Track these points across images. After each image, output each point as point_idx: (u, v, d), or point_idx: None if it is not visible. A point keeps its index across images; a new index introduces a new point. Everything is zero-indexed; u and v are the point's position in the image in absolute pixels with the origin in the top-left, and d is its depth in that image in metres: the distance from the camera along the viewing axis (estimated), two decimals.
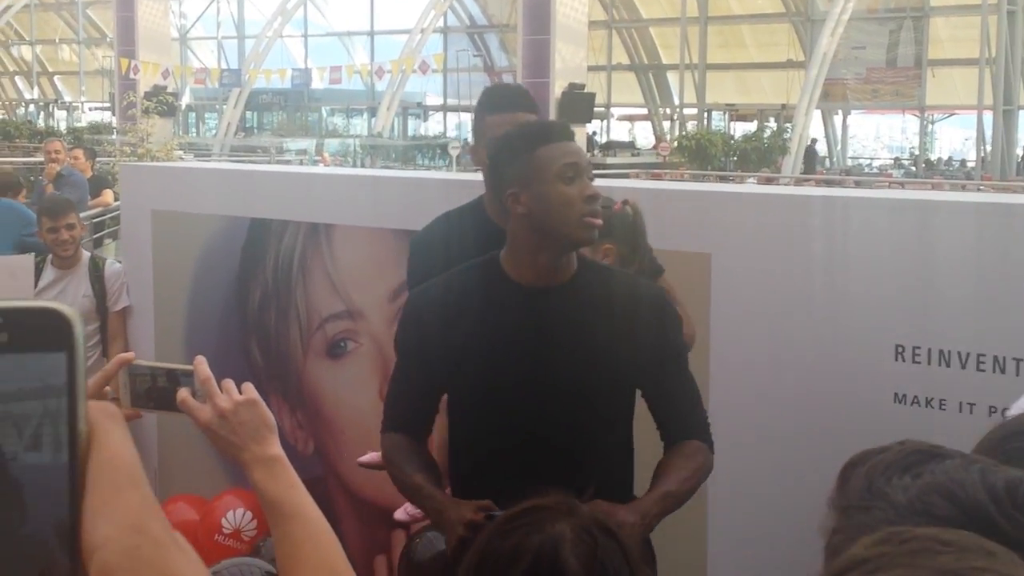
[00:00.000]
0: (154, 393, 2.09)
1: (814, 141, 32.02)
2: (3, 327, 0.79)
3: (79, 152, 11.64)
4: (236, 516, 4.97)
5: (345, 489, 5.09)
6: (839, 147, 35.04)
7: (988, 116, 28.52)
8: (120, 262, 6.12)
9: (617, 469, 2.91)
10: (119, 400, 2.11)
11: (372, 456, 3.74)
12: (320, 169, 12.57)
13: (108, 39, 39.29)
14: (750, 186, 11.85)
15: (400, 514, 3.65)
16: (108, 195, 11.14)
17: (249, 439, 1.90)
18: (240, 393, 1.97)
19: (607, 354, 2.83)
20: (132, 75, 27.94)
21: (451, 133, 39.53)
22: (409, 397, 3.00)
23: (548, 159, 2.80)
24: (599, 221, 2.81)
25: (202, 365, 2.00)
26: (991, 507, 1.12)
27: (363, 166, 28.45)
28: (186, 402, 1.98)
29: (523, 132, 2.96)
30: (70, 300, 5.76)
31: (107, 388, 2.08)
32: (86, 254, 6.02)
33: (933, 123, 33.97)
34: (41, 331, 0.80)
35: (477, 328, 2.85)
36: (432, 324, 2.90)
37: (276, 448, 1.90)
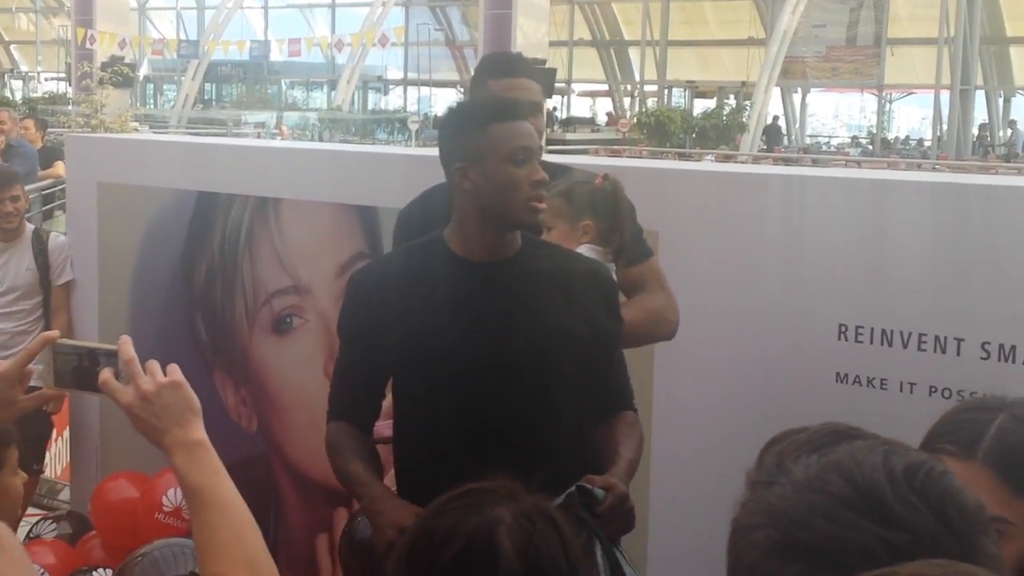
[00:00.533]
0: (78, 373, 2.02)
1: (776, 118, 32.18)
2: None
3: (29, 123, 11.48)
4: (176, 494, 4.91)
5: (288, 467, 5.04)
6: (797, 125, 35.16)
7: (945, 95, 28.70)
8: (65, 235, 6.04)
9: (569, 453, 2.83)
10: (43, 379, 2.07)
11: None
12: (270, 143, 12.49)
13: (65, 8, 38.84)
14: (700, 164, 11.86)
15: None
16: (59, 167, 10.98)
17: (172, 422, 1.86)
18: (165, 375, 1.91)
19: (555, 328, 2.80)
20: (89, 45, 27.64)
21: (411, 107, 39.39)
22: (353, 383, 2.95)
23: (500, 138, 2.75)
24: (543, 206, 2.79)
25: (126, 345, 1.93)
26: (886, 488, 1.12)
27: (322, 140, 28.29)
28: (108, 383, 1.92)
29: (477, 106, 2.92)
30: (13, 273, 5.69)
31: (30, 366, 2.03)
32: (30, 227, 5.93)
33: (891, 102, 34.14)
34: None
35: (425, 306, 2.80)
36: (376, 305, 2.85)
37: (199, 432, 1.86)
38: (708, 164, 11.55)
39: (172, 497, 4.88)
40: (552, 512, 1.85)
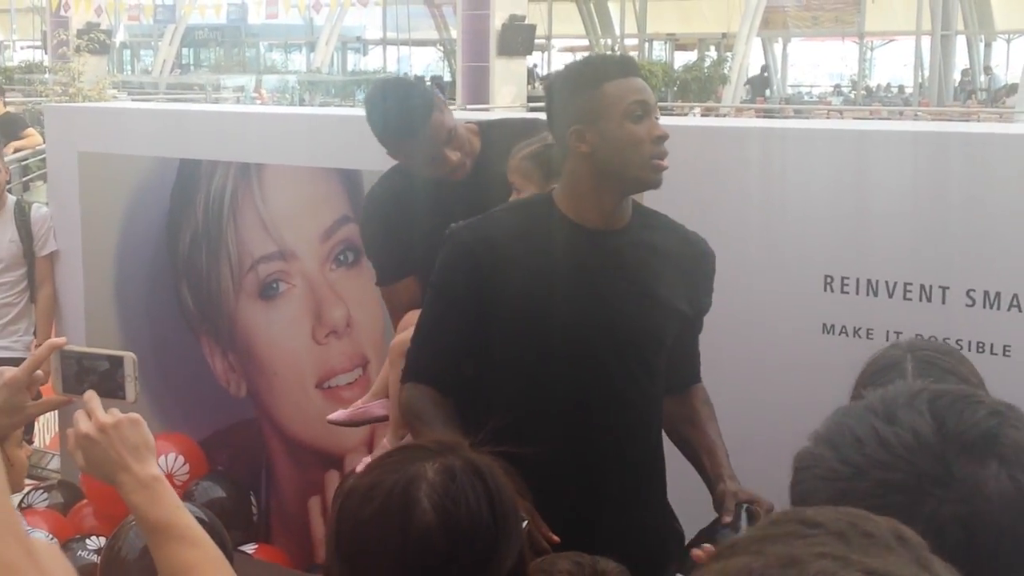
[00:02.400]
0: (83, 378, 2.04)
1: (764, 68, 32.10)
2: None
3: None
4: (168, 460, 4.93)
5: (278, 431, 5.06)
6: (779, 75, 35.05)
7: (926, 42, 28.61)
8: (47, 205, 6.01)
9: (655, 422, 2.86)
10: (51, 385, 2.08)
11: (341, 414, 3.69)
12: (251, 108, 12.41)
13: None
14: (681, 118, 11.83)
15: (331, 416, 3.64)
16: (35, 135, 10.92)
17: (129, 455, 1.85)
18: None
19: (663, 302, 2.76)
20: (64, 12, 27.34)
21: (392, 67, 39.17)
22: (444, 345, 2.80)
23: (615, 95, 2.65)
24: (666, 163, 2.68)
25: (130, 361, 1.98)
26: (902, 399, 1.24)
27: (302, 102, 28.14)
28: (79, 414, 1.92)
29: (589, 65, 2.80)
30: None
31: (38, 372, 2.05)
32: (11, 198, 5.90)
33: (873, 50, 34.07)
34: None
35: (536, 269, 2.70)
36: (483, 264, 2.72)
37: (156, 468, 1.86)
38: (689, 119, 11.52)
39: (164, 464, 4.90)
40: (482, 465, 1.80)
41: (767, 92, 32.35)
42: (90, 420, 1.89)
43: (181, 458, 4.98)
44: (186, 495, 4.70)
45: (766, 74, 32.26)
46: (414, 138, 3.43)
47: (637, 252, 2.75)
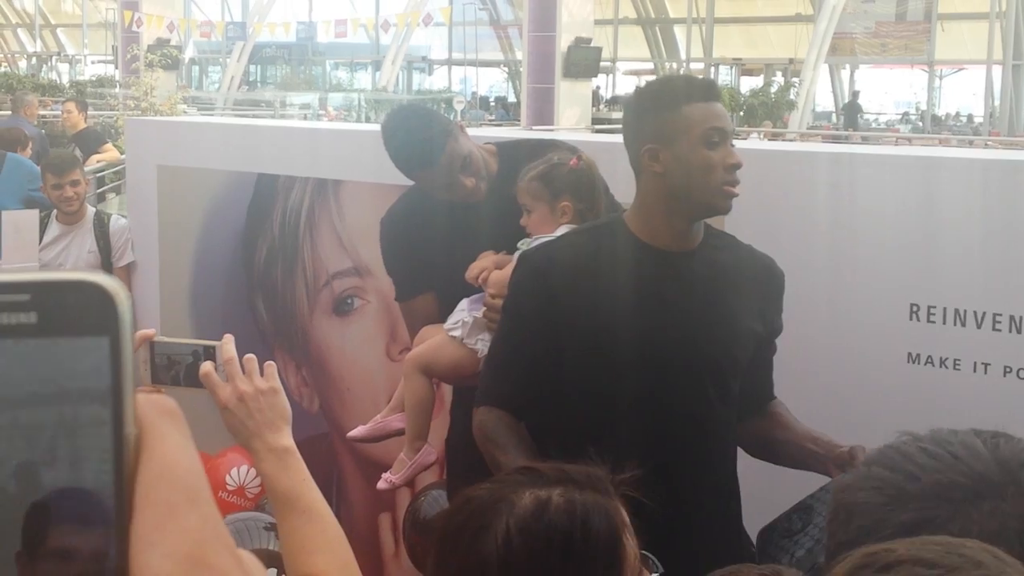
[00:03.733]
0: (174, 369, 2.09)
1: (856, 94, 31.89)
2: (30, 305, 0.61)
3: (71, 105, 11.53)
4: (240, 473, 4.96)
5: (349, 447, 5.06)
6: (846, 102, 34.82)
7: (997, 71, 28.32)
8: (125, 217, 6.09)
9: (731, 445, 2.85)
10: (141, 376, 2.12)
11: (360, 430, 3.71)
12: (326, 124, 12.51)
13: None
14: (758, 143, 11.76)
15: (382, 484, 3.64)
16: (113, 150, 11.07)
17: (264, 426, 1.90)
18: (262, 376, 1.95)
19: (737, 323, 2.74)
20: (136, 28, 27.75)
21: (456, 87, 39.33)
22: (517, 367, 2.78)
23: (694, 119, 2.64)
24: (737, 191, 2.67)
25: (228, 345, 1.99)
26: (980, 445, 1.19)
27: (368, 121, 28.32)
28: (209, 376, 1.97)
29: (670, 85, 2.80)
30: (75, 256, 5.74)
31: None
32: (91, 209, 5.99)
33: (942, 78, 33.75)
34: (79, 311, 0.62)
35: (610, 292, 2.69)
36: (555, 286, 2.71)
37: (289, 440, 1.90)
38: (766, 143, 11.46)
39: (236, 476, 4.93)
40: (584, 503, 1.70)
41: (833, 119, 32.17)
42: (231, 385, 1.94)
43: (253, 471, 4.99)
44: (258, 507, 4.72)
45: (859, 100, 32.08)
46: (431, 167, 3.42)
47: (709, 273, 2.73)
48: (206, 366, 1.99)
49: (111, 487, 0.62)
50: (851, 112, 30.08)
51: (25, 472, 0.61)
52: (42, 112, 19.23)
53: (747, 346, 2.77)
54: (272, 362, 2.00)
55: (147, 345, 2.09)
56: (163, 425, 0.65)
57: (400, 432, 3.54)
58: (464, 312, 3.30)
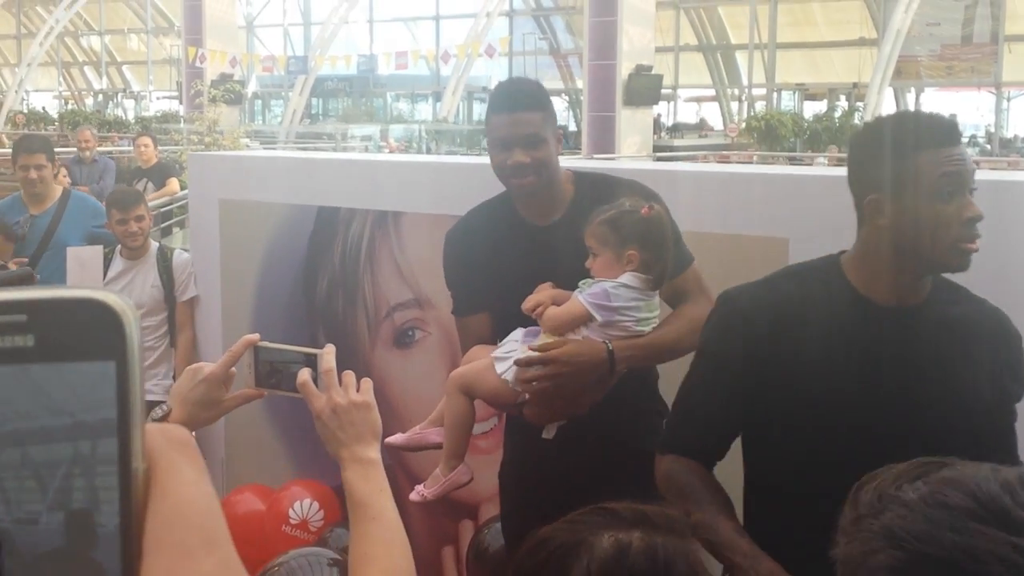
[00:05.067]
0: (276, 375, 2.14)
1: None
2: (28, 326, 0.56)
3: (147, 139, 11.71)
4: (303, 506, 4.94)
5: (412, 479, 5.02)
6: None
7: None
8: (188, 251, 6.12)
9: None
10: (247, 380, 2.21)
11: (398, 437, 3.67)
12: (386, 156, 12.57)
13: (176, 28, 39.65)
14: (825, 168, 11.66)
15: (414, 495, 3.61)
16: (173, 183, 11.20)
17: (353, 439, 1.98)
18: (359, 391, 2.03)
19: (962, 389, 2.48)
20: (199, 63, 28.18)
21: None
22: (711, 416, 2.63)
23: (924, 169, 2.40)
24: (976, 246, 2.41)
25: (328, 356, 2.06)
26: (1005, 497, 1.12)
27: (428, 151, 28.48)
28: (306, 385, 2.04)
29: (899, 127, 2.52)
30: (139, 290, 5.77)
31: (232, 369, 2.18)
32: (154, 244, 6.03)
33: (1010, 100, 33.33)
34: (81, 332, 0.57)
35: (820, 343, 2.49)
36: (761, 334, 2.53)
37: (375, 453, 1.98)
38: (833, 168, 11.36)
39: (299, 509, 4.91)
40: (665, 548, 1.64)
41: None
42: (326, 396, 2.02)
43: (316, 504, 4.98)
44: (320, 541, 4.69)
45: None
46: (521, 111, 3.36)
47: (933, 332, 2.49)
48: (303, 374, 2.05)
49: (118, 528, 0.57)
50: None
51: (24, 511, 0.55)
52: (108, 148, 19.54)
53: (972, 414, 2.48)
54: (368, 379, 2.07)
55: (252, 350, 2.16)
56: (176, 459, 0.60)
57: (436, 446, 3.52)
58: (516, 344, 3.25)
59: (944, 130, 2.48)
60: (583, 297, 3.11)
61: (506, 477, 3.71)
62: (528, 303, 3.20)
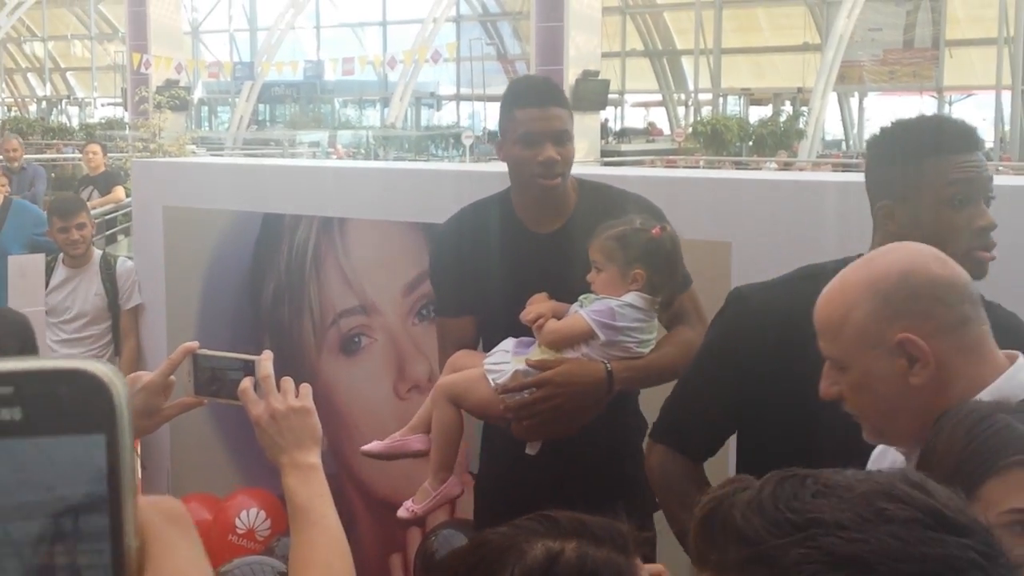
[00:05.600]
0: (216, 383, 2.13)
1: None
2: (15, 399, 0.54)
3: (96, 147, 11.61)
4: (250, 516, 4.91)
5: (360, 487, 5.02)
6: (856, 130, 34.86)
7: (1007, 96, 28.35)
8: (132, 259, 6.07)
9: None
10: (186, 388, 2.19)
11: (375, 445, 3.56)
12: (332, 163, 12.53)
13: (120, 34, 39.35)
14: (769, 172, 11.76)
15: (403, 512, 3.52)
16: (119, 191, 11.12)
17: (293, 444, 1.97)
18: (297, 396, 2.03)
19: None
20: (144, 70, 27.98)
21: (464, 122, 39.46)
22: (709, 411, 2.61)
23: (933, 175, 2.35)
24: (992, 255, 2.37)
25: (266, 362, 2.06)
26: (931, 500, 1.06)
27: (376, 157, 28.42)
28: (246, 392, 2.04)
29: (911, 132, 2.46)
30: (82, 299, 5.72)
31: (172, 377, 2.17)
32: (97, 252, 5.98)
33: (951, 104, 33.78)
34: (70, 405, 0.55)
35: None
36: (772, 336, 2.48)
37: (315, 458, 1.98)
38: (777, 173, 11.46)
39: (245, 519, 4.88)
40: (590, 557, 1.57)
41: (844, 147, 32.23)
42: (264, 402, 2.02)
43: (263, 513, 4.94)
44: (267, 550, 4.66)
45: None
46: (551, 106, 3.23)
47: None
48: (245, 382, 2.04)
49: None
50: None
51: None
52: (52, 155, 19.34)
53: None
54: (308, 384, 2.06)
55: (190, 358, 2.15)
56: (171, 535, 0.58)
57: (417, 454, 3.40)
58: (508, 355, 3.11)
59: (961, 135, 2.42)
60: (586, 313, 3.00)
61: (483, 488, 3.57)
62: (529, 315, 3.06)
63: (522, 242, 3.29)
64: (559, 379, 2.97)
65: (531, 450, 3.11)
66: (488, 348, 3.27)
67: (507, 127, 3.24)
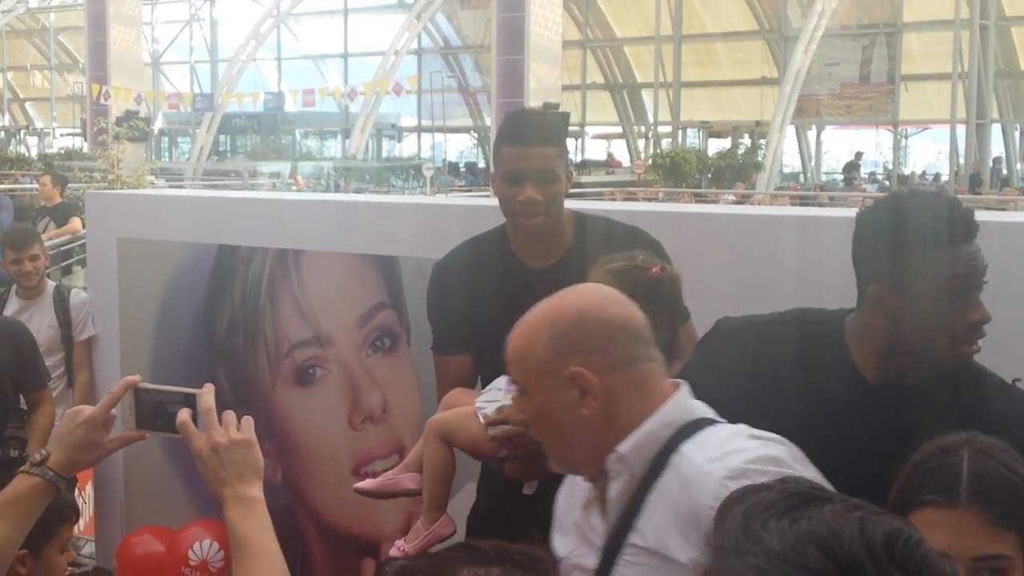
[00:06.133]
0: (159, 416, 2.12)
1: (859, 155, 32.15)
2: None
3: (46, 178, 11.56)
4: (203, 547, 4.89)
5: (313, 518, 5.01)
6: (813, 163, 35.17)
7: (961, 130, 28.69)
8: (86, 290, 6.05)
9: None
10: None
11: (369, 483, 3.52)
12: (288, 195, 12.54)
13: (80, 65, 39.21)
14: (717, 206, 11.85)
15: (394, 551, 3.47)
16: (76, 222, 11.07)
17: (234, 477, 1.97)
18: (239, 429, 2.03)
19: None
20: (104, 100, 27.89)
21: (425, 154, 39.54)
22: None
23: (930, 269, 2.28)
24: (976, 349, 2.32)
25: (207, 396, 2.06)
26: (867, 562, 1.08)
27: (338, 188, 28.39)
28: (185, 426, 2.04)
29: (906, 218, 2.34)
30: (35, 330, 5.68)
31: (113, 410, 2.14)
32: (51, 283, 5.95)
33: (907, 138, 34.14)
34: None
35: (799, 399, 2.39)
36: (746, 366, 2.50)
37: (257, 491, 1.98)
38: (728, 207, 11.57)
39: (199, 551, 4.86)
40: None
41: (801, 179, 32.51)
42: (206, 435, 2.01)
43: (216, 544, 4.92)
44: None
45: (860, 161, 32.37)
46: (536, 145, 3.21)
47: (920, 408, 2.33)
48: (183, 414, 2.04)
49: None
50: (850, 171, 30.56)
51: None
52: (10, 185, 19.22)
53: None
54: (249, 417, 2.06)
55: (132, 391, 2.14)
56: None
57: (410, 493, 3.36)
58: (500, 393, 3.05)
59: (960, 225, 2.31)
60: None
61: (475, 525, 3.47)
62: None
63: (518, 277, 3.25)
64: None
65: (528, 490, 3.04)
66: (487, 385, 3.22)
67: (496, 162, 3.26)
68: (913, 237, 2.30)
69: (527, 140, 3.20)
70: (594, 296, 2.10)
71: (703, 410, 2.08)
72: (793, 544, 1.11)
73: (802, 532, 1.13)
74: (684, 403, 2.07)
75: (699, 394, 2.44)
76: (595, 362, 2.00)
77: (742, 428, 2.02)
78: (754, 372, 2.49)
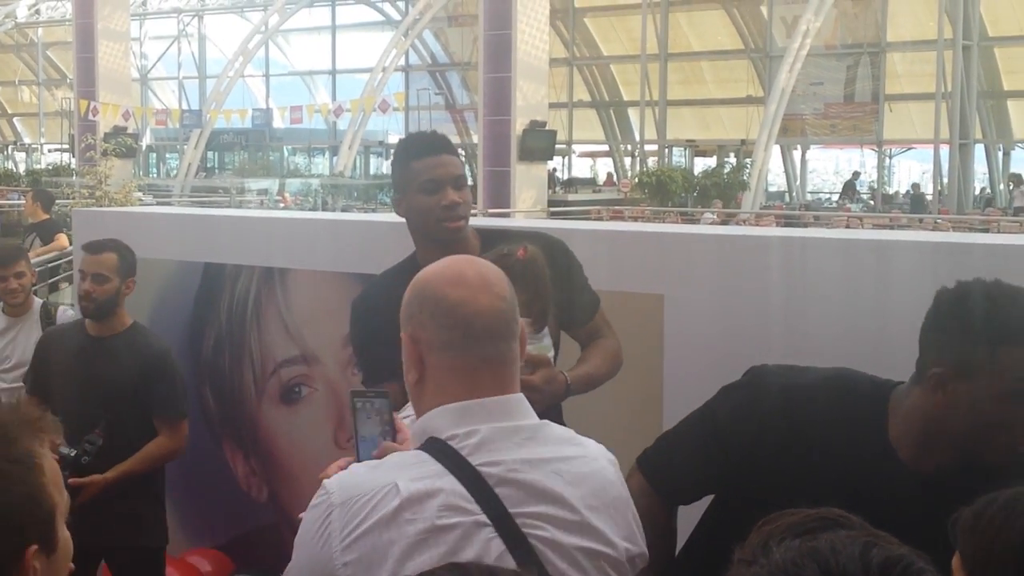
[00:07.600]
0: None
1: (856, 175, 32.19)
2: None
3: (29, 195, 11.54)
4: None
5: None
6: (798, 182, 35.28)
7: (945, 150, 28.83)
8: (73, 308, 6.06)
9: None
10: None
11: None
12: (274, 213, 12.53)
13: (68, 80, 39.17)
14: (701, 227, 11.88)
15: None
16: (63, 239, 11.06)
17: None
18: None
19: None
20: (92, 116, 27.81)
21: None
22: (687, 470, 2.60)
23: (1009, 367, 2.18)
24: None
25: None
26: None
27: (325, 205, 28.39)
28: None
29: (981, 304, 2.26)
30: (21, 348, 5.69)
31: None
32: (38, 301, 5.95)
33: (891, 157, 34.27)
34: None
35: (825, 471, 2.33)
36: (779, 428, 2.41)
37: None
38: (711, 227, 11.58)
39: None
40: None
41: (786, 198, 32.61)
42: None
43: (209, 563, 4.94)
44: None
45: (856, 181, 32.47)
46: (441, 153, 3.37)
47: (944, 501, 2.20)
48: None
49: None
50: (848, 190, 30.71)
51: None
52: None
53: None
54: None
55: None
56: None
57: None
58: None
59: None
60: None
61: None
62: None
63: None
64: (539, 383, 2.96)
65: None
66: None
67: (406, 179, 3.36)
68: (995, 329, 2.21)
69: (437, 150, 3.34)
70: (445, 273, 2.06)
71: (454, 429, 2.00)
72: (795, 558, 1.15)
73: (807, 549, 1.16)
74: (451, 415, 2.01)
75: (731, 444, 2.48)
76: (420, 335, 2.03)
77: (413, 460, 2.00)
78: (787, 433, 2.41)
